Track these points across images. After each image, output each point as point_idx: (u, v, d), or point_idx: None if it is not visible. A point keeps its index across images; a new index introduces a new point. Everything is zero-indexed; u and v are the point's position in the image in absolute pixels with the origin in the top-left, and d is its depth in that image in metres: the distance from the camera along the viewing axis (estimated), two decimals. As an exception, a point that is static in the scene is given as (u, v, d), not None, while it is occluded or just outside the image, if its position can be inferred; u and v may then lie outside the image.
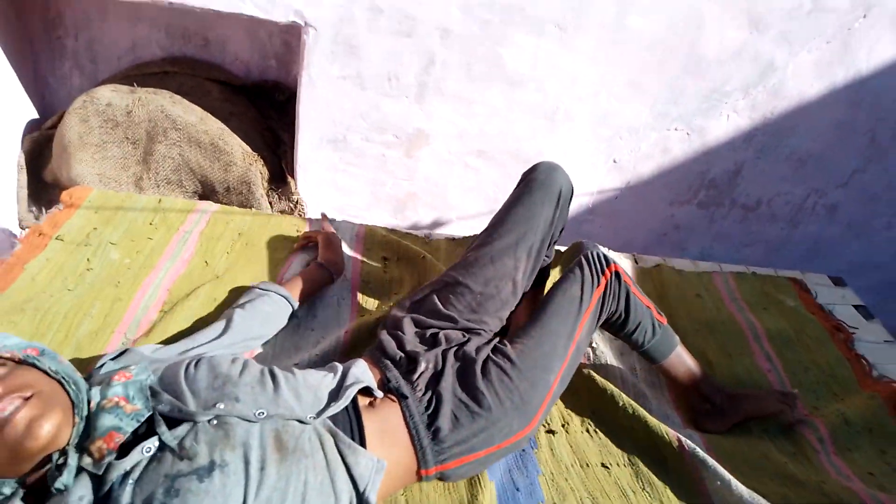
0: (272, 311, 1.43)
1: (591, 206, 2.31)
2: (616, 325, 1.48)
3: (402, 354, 1.28)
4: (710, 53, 2.02)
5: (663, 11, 1.92)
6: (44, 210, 2.12)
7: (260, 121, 2.28)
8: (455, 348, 1.31)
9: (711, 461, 1.32)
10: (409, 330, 1.35)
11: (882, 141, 2.25)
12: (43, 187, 2.18)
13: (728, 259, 2.18)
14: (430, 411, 1.19)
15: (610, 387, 1.48)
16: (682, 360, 1.52)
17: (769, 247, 2.47)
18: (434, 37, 1.89)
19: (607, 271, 1.43)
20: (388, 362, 1.28)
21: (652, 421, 1.40)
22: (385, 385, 1.23)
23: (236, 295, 1.50)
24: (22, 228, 2.11)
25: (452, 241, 1.91)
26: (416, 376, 1.24)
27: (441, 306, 1.37)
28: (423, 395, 1.22)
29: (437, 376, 1.25)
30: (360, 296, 1.67)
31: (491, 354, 1.30)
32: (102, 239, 1.64)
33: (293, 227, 1.79)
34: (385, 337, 1.32)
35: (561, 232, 1.49)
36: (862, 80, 2.09)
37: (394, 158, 2.11)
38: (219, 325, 1.34)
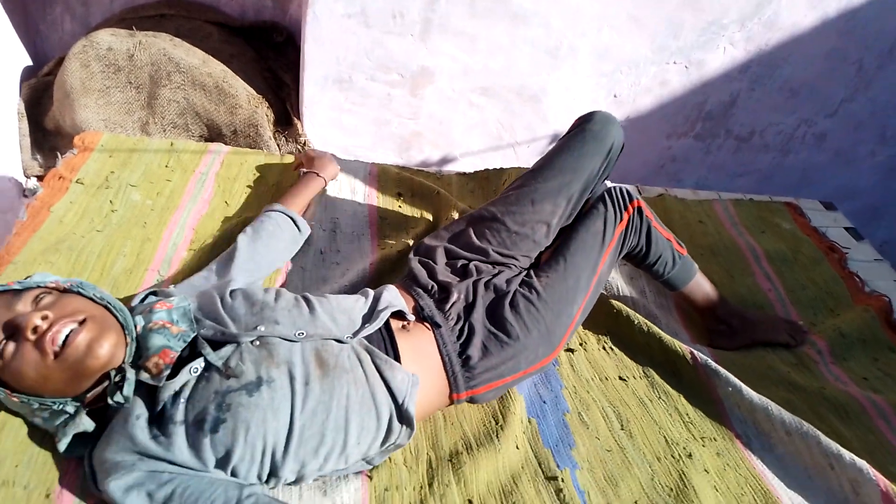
0: (273, 227, 1.44)
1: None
2: (637, 258, 1.56)
3: (434, 284, 1.34)
4: (709, -14, 2.05)
5: (664, -57, 1.93)
6: (51, 157, 2.11)
7: (260, 62, 2.27)
8: (486, 280, 1.37)
9: (723, 370, 1.42)
10: (441, 260, 1.40)
11: (868, 69, 2.32)
12: (44, 135, 2.16)
13: (722, 188, 2.27)
14: (461, 340, 1.26)
15: (624, 308, 1.57)
16: (700, 286, 1.61)
17: (761, 175, 2.56)
18: (439, -28, 1.89)
19: (630, 207, 1.48)
20: (421, 290, 1.34)
21: (665, 337, 1.49)
22: (419, 313, 1.29)
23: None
24: (27, 176, 2.10)
25: (464, 176, 1.96)
26: (448, 306, 1.30)
27: (475, 239, 1.41)
28: (455, 324, 1.29)
29: (468, 307, 1.32)
30: (378, 230, 1.72)
31: (519, 287, 1.36)
32: (122, 181, 1.67)
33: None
34: (416, 265, 1.37)
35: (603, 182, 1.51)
36: (854, 8, 2.14)
37: (399, 97, 2.13)
38: (229, 252, 1.37)
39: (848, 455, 1.24)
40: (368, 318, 1.22)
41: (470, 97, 2.16)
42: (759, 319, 1.66)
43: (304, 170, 1.65)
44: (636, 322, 1.53)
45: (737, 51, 2.19)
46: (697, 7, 2.07)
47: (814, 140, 2.50)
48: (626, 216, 1.48)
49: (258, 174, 1.79)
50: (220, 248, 1.51)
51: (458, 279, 1.37)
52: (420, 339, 1.25)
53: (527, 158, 2.34)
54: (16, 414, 1.08)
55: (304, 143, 2.13)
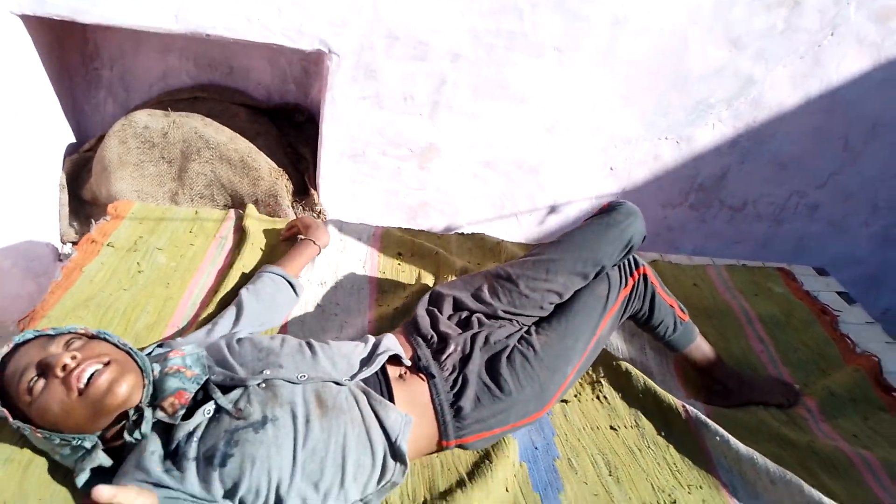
0: (273, 289, 1.56)
1: (591, 210, 2.49)
2: (640, 321, 1.62)
3: (434, 334, 1.43)
4: (695, 71, 2.22)
5: (651, 35, 2.12)
6: (86, 224, 2.29)
7: (282, 139, 2.47)
8: (486, 333, 1.43)
9: (712, 423, 1.47)
10: (447, 310, 1.47)
11: (855, 145, 2.45)
12: (81, 205, 2.34)
13: (719, 255, 2.36)
14: (455, 391, 1.34)
15: (623, 363, 1.64)
16: (699, 349, 1.67)
17: (757, 244, 2.65)
18: (445, 60, 2.09)
19: (636, 273, 1.55)
20: (420, 339, 1.43)
21: (660, 391, 1.55)
22: (415, 363, 1.38)
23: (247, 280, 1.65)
24: (63, 242, 2.27)
25: (462, 236, 2.08)
26: (444, 356, 1.38)
27: (486, 294, 1.48)
28: (450, 374, 1.36)
29: (465, 359, 1.39)
30: (378, 286, 1.83)
31: (517, 343, 1.42)
32: (149, 245, 1.81)
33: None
34: (421, 313, 1.46)
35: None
36: (833, 90, 2.30)
37: (408, 170, 2.29)
38: (232, 308, 1.48)
39: (829, 501, 1.27)
40: (366, 362, 1.31)
41: (474, 169, 2.32)
42: (755, 381, 1.70)
43: (301, 236, 1.77)
44: (633, 375, 1.59)
45: (725, 127, 2.34)
46: (685, 89, 2.24)
47: (806, 210, 2.60)
48: (630, 282, 1.53)
49: (266, 238, 1.92)
50: (225, 304, 1.63)
51: (459, 331, 1.43)
52: (414, 388, 1.32)
53: (528, 226, 2.47)
54: (40, 452, 1.18)
55: (320, 212, 2.29)
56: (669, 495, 1.33)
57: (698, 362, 1.67)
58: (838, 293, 2.17)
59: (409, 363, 1.36)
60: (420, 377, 1.34)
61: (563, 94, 2.20)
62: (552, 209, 2.46)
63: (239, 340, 1.30)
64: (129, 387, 1.12)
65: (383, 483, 1.20)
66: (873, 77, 2.25)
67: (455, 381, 1.34)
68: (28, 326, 1.46)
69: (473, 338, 1.42)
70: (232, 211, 2.01)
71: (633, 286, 1.54)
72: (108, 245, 1.78)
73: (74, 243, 2.29)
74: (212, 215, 2.00)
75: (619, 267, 1.53)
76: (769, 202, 2.57)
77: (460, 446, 1.34)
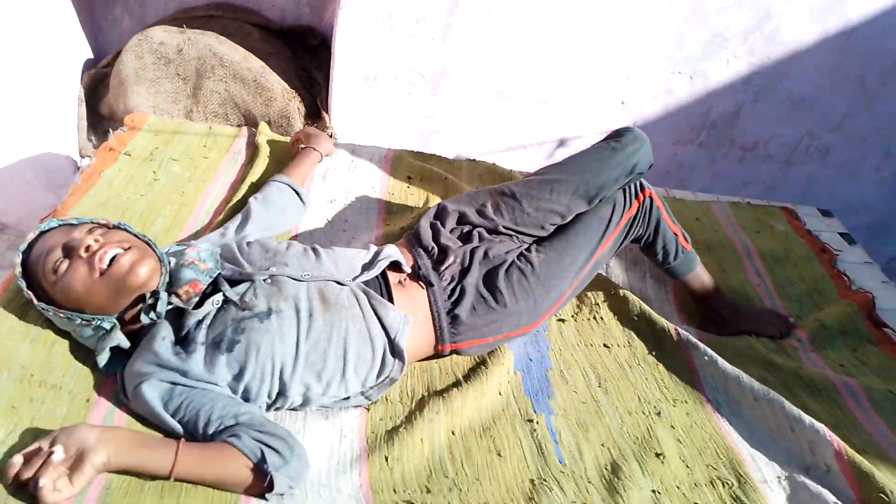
0: (280, 196, 1.61)
1: (600, 145, 2.50)
2: (643, 244, 1.63)
3: (435, 246, 1.48)
4: (712, 1, 2.19)
5: (670, -40, 2.09)
6: (103, 139, 2.33)
7: (295, 62, 2.48)
8: (485, 248, 1.47)
9: (702, 344, 1.52)
10: (450, 224, 1.50)
11: (871, 87, 2.42)
12: (99, 120, 2.39)
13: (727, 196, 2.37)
14: (452, 299, 1.39)
15: (622, 290, 1.68)
16: (699, 278, 1.69)
17: (766, 186, 2.66)
18: (459, -20, 2.07)
19: (641, 195, 1.55)
20: (421, 250, 1.48)
21: (655, 315, 1.60)
22: (416, 272, 1.44)
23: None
24: (82, 156, 2.33)
25: (473, 162, 2.11)
26: (443, 267, 1.43)
27: (490, 210, 1.51)
28: (448, 284, 1.42)
29: (464, 271, 1.44)
30: (385, 206, 1.88)
31: (516, 259, 1.46)
32: (165, 156, 1.86)
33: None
34: (425, 225, 1.51)
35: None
36: (852, 27, 2.26)
37: (419, 96, 2.30)
38: (242, 214, 1.54)
39: (808, 419, 1.33)
40: (368, 266, 1.37)
41: (485, 98, 2.33)
42: (750, 311, 1.74)
43: (302, 145, 1.82)
44: (630, 300, 1.64)
45: (740, 63, 2.32)
46: (701, 20, 2.21)
47: (817, 153, 2.59)
48: (635, 204, 1.54)
49: (277, 153, 1.95)
50: (236, 212, 1.69)
51: (460, 244, 1.48)
52: (413, 295, 1.38)
53: (536, 158, 2.49)
54: (64, 335, 1.25)
55: (331, 135, 2.32)
56: (654, 407, 1.40)
57: (697, 291, 1.71)
58: (840, 234, 2.19)
59: (409, 270, 1.42)
60: (419, 285, 1.40)
61: (577, 23, 2.18)
62: (561, 142, 2.47)
63: (249, 243, 1.37)
64: (149, 270, 1.18)
65: (382, 378, 1.27)
66: (894, 16, 2.20)
67: (453, 290, 1.40)
68: (50, 223, 1.52)
69: (473, 251, 1.46)
70: (245, 128, 2.05)
71: (638, 209, 1.55)
72: (125, 154, 1.83)
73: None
74: (225, 131, 2.04)
75: (625, 189, 1.54)
76: (780, 143, 2.56)
77: (455, 351, 1.41)
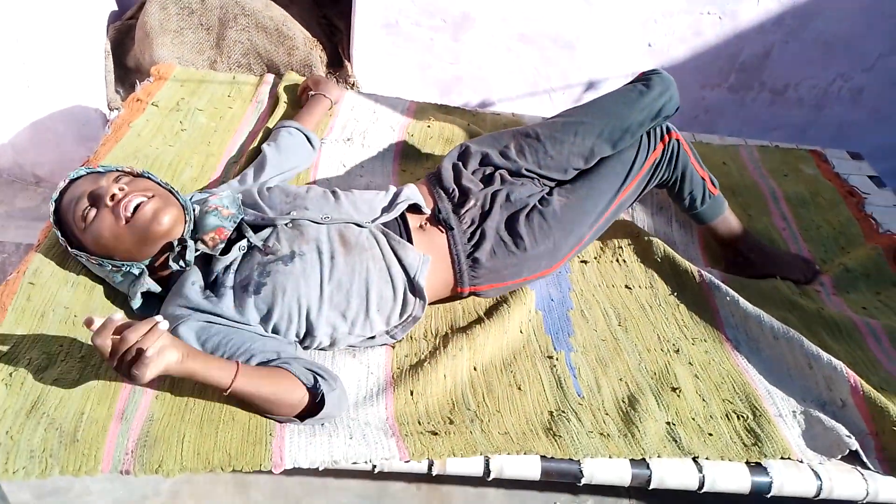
0: (291, 141, 1.65)
1: (625, 90, 2.46)
2: (669, 188, 1.62)
3: (456, 188, 1.49)
4: (744, -65, 2.11)
5: None
6: (131, 91, 2.37)
7: (315, 10, 2.47)
8: (507, 191, 1.47)
9: (724, 285, 1.53)
10: (473, 165, 1.50)
11: (910, 24, 2.33)
12: (126, 72, 2.42)
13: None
14: (472, 243, 1.41)
15: (644, 231, 1.69)
16: (726, 222, 1.68)
17: (795, 130, 2.60)
18: (481, -79, 2.03)
19: (666, 137, 1.52)
20: (442, 192, 1.50)
21: (679, 258, 1.61)
22: (435, 215, 1.46)
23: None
24: (111, 109, 2.37)
25: (497, 116, 2.10)
26: (464, 210, 1.45)
27: (513, 151, 1.50)
28: (469, 227, 1.43)
29: (484, 214, 1.45)
30: (402, 153, 1.89)
31: (538, 203, 1.46)
32: (191, 106, 1.89)
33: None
34: (447, 165, 1.52)
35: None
36: (892, -40, 2.17)
37: (441, 42, 2.28)
38: (258, 160, 1.59)
39: (826, 356, 1.35)
40: (387, 209, 1.40)
41: (508, 43, 2.30)
42: (777, 254, 1.73)
43: (312, 92, 1.85)
44: (654, 243, 1.64)
45: (770, 2, 2.25)
46: (732, -43, 2.14)
47: (849, 95, 2.52)
48: (659, 147, 1.52)
49: (294, 98, 1.97)
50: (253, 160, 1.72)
51: (482, 186, 1.49)
52: (433, 237, 1.41)
53: (561, 104, 2.46)
54: (100, 280, 1.31)
55: (353, 84, 2.32)
56: (673, 345, 1.43)
57: (723, 235, 1.70)
58: (869, 177, 2.16)
59: (428, 212, 1.44)
60: (439, 229, 1.42)
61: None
62: (587, 87, 2.44)
63: (269, 188, 1.41)
64: (172, 218, 1.23)
65: (405, 317, 1.32)
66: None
67: (473, 233, 1.42)
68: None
69: (495, 194, 1.47)
70: (268, 75, 2.07)
71: (663, 151, 1.53)
72: (152, 104, 1.87)
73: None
74: (248, 79, 2.07)
75: (649, 133, 1.53)
76: (811, 85, 2.49)
77: (474, 293, 1.44)
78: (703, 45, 2.35)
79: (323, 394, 1.09)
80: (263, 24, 2.23)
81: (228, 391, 1.05)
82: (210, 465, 1.03)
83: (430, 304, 1.38)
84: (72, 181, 1.27)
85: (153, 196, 1.23)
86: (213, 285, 1.24)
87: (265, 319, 1.21)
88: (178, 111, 1.87)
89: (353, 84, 2.34)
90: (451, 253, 1.40)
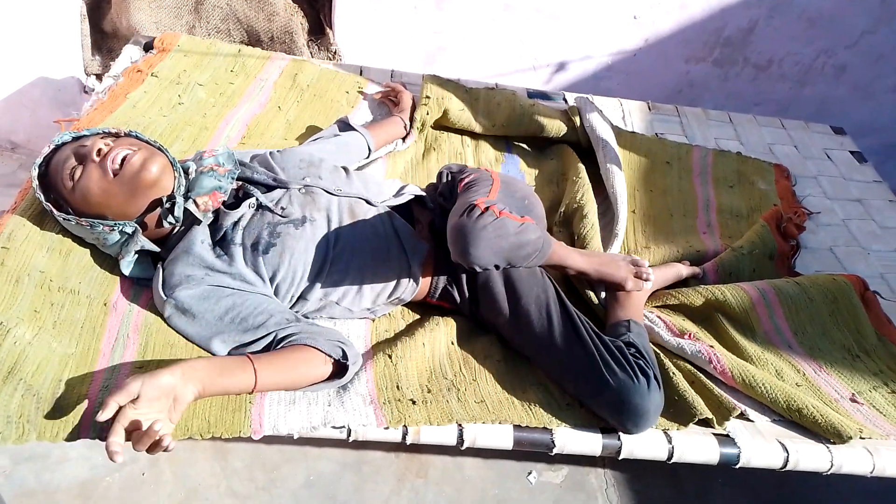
0: (356, 149, 1.62)
1: (611, 63, 2.45)
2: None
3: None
4: None
5: None
6: (108, 57, 2.32)
7: (298, -24, 2.42)
8: None
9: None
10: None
11: (892, 1, 2.34)
12: (103, 38, 2.36)
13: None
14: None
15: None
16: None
17: (778, 105, 2.62)
18: None
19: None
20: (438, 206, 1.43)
21: None
22: (431, 225, 1.42)
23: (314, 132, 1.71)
24: (87, 74, 2.32)
25: (491, 91, 1.95)
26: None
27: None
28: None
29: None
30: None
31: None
32: (191, 80, 1.84)
33: (355, 85, 1.99)
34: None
35: None
36: (878, -65, 2.16)
37: (424, 9, 2.25)
38: (327, 133, 1.60)
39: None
40: (396, 195, 1.42)
41: (492, 13, 2.28)
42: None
43: (396, 111, 1.81)
44: None
45: (757, -25, 2.24)
46: (718, -71, 2.12)
47: (833, 71, 2.53)
48: None
49: (311, 86, 1.94)
50: (265, 145, 1.70)
51: None
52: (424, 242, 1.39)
53: (545, 76, 2.45)
54: (82, 243, 1.29)
55: (335, 52, 2.29)
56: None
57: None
58: (851, 152, 2.17)
59: (431, 205, 1.44)
60: (430, 238, 1.41)
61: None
62: (572, 59, 2.43)
63: (282, 151, 1.41)
64: (160, 167, 1.20)
65: (392, 297, 1.33)
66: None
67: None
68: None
69: None
70: (276, 54, 2.01)
71: None
72: (152, 75, 1.81)
73: (98, 76, 2.33)
74: (254, 53, 2.00)
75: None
76: (795, 61, 2.50)
77: (440, 307, 1.45)
78: (688, 18, 2.35)
79: (349, 367, 1.15)
80: (243, -11, 2.19)
81: (254, 391, 1.08)
82: (189, 432, 1.03)
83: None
84: (57, 147, 1.25)
85: (139, 149, 1.22)
86: (221, 242, 1.23)
87: (270, 280, 1.22)
88: (178, 84, 1.81)
89: (335, 52, 2.31)
90: (433, 264, 1.37)
